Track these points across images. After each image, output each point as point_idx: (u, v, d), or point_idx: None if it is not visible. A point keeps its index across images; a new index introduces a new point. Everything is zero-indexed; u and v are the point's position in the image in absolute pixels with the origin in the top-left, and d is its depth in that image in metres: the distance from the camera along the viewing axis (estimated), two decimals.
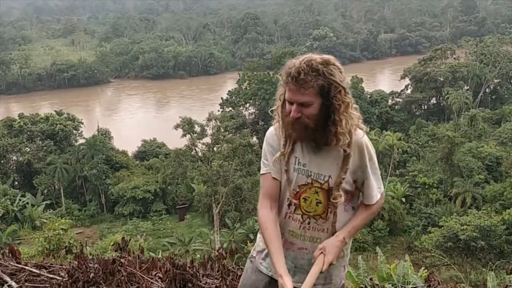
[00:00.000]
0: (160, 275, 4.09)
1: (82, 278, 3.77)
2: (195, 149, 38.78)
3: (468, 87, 60.87)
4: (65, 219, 33.88)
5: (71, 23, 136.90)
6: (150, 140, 50.94)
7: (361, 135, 2.43)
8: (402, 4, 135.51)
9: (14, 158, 46.25)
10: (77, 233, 30.96)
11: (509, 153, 40.91)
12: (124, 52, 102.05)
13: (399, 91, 60.99)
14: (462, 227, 30.70)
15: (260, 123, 53.86)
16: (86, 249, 5.62)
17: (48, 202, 41.67)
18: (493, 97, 64.81)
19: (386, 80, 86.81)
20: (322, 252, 2.43)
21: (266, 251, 2.57)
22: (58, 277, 4.11)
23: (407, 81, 62.53)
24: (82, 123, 49.95)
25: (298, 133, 2.40)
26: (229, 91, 59.52)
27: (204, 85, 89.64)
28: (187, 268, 4.00)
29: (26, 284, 4.08)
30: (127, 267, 4.01)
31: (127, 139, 50.43)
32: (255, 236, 7.97)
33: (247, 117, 55.22)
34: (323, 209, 2.48)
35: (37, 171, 44.11)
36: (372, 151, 2.47)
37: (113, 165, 44.85)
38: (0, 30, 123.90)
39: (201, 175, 35.77)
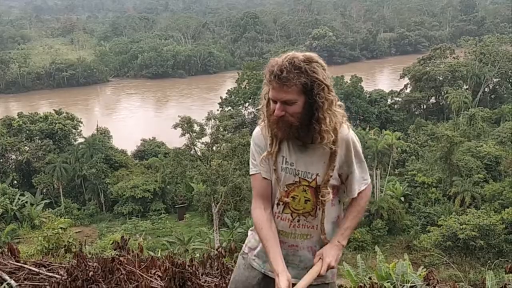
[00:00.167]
0: (160, 273, 4.09)
1: (81, 276, 3.77)
2: (194, 149, 38.79)
3: (467, 87, 60.90)
4: (64, 218, 33.98)
5: (70, 22, 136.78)
6: (150, 139, 50.91)
7: (347, 131, 2.44)
8: (402, 4, 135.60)
9: (13, 157, 46.24)
10: (76, 232, 30.89)
11: (508, 153, 40.96)
12: (123, 51, 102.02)
13: (398, 90, 61.03)
14: (461, 226, 30.75)
15: None
16: (85, 248, 5.63)
17: (47, 201, 41.65)
18: (492, 96, 64.85)
19: (386, 79, 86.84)
20: (320, 258, 2.46)
21: (258, 248, 2.60)
22: (57, 276, 4.11)
23: (406, 80, 62.59)
24: (81, 122, 49.90)
25: (283, 131, 2.39)
26: (228, 90, 59.53)
27: (203, 84, 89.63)
28: (187, 266, 4.00)
29: (25, 282, 4.08)
30: (126, 265, 4.01)
31: (126, 138, 50.41)
32: None
33: (246, 117, 55.20)
34: (312, 206, 2.49)
35: (36, 170, 44.08)
36: (358, 145, 2.48)
37: (112, 164, 44.83)
38: None
39: (200, 174, 35.78)
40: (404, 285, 4.41)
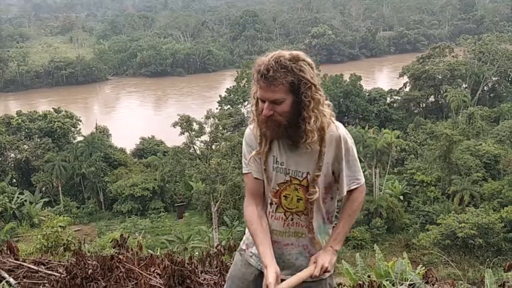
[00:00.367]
0: (159, 271, 4.09)
1: (80, 274, 3.78)
2: (193, 147, 38.78)
3: (466, 85, 60.91)
4: (63, 216, 33.93)
5: (69, 21, 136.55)
6: (149, 137, 50.88)
7: (337, 129, 2.42)
8: (401, 2, 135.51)
9: (12, 155, 46.20)
10: (75, 231, 30.87)
11: (507, 151, 41.01)
12: (122, 49, 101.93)
13: (397, 89, 60.97)
14: (460, 225, 30.79)
15: None
16: (84, 246, 5.62)
17: (46, 199, 41.63)
18: (491, 95, 64.85)
19: (385, 78, 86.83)
20: (314, 262, 2.48)
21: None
22: (56, 274, 4.11)
23: (405, 79, 62.51)
24: (80, 121, 49.87)
25: (272, 130, 2.39)
26: (227, 88, 59.49)
27: (202, 82, 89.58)
28: (186, 264, 4.00)
29: (24, 280, 4.09)
30: (125, 263, 4.01)
31: (125, 137, 50.37)
32: None
33: (245, 115, 55.13)
34: (304, 205, 2.50)
35: (35, 169, 44.06)
36: (350, 142, 2.46)
37: (112, 163, 44.82)
38: None
39: (200, 173, 35.77)
40: (403, 283, 4.42)
